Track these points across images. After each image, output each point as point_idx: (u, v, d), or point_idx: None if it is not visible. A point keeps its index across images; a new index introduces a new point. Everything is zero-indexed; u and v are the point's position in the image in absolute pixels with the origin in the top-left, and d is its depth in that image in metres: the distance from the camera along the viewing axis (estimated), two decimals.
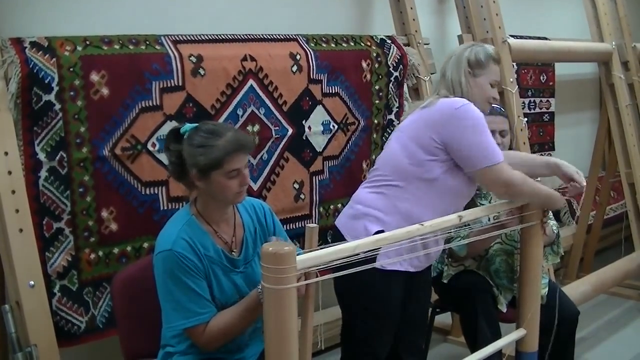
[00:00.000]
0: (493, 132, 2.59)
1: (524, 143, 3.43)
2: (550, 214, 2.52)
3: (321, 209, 2.98)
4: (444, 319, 3.42)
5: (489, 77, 2.24)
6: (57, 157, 2.21)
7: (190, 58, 2.48)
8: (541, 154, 4.62)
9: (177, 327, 1.86)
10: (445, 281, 2.62)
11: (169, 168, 2.00)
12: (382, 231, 2.06)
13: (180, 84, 2.45)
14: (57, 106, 2.18)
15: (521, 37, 3.76)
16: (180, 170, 1.93)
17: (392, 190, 2.14)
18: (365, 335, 2.19)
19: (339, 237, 2.15)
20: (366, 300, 2.15)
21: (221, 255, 1.93)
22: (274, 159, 2.77)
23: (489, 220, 2.44)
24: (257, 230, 2.05)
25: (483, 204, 2.51)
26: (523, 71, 4.43)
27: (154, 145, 2.41)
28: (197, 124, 1.93)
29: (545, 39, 4.12)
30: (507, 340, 2.15)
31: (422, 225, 1.91)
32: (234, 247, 1.98)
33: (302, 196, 2.89)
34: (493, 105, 2.71)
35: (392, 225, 2.06)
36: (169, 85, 2.42)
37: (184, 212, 1.96)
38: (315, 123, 2.89)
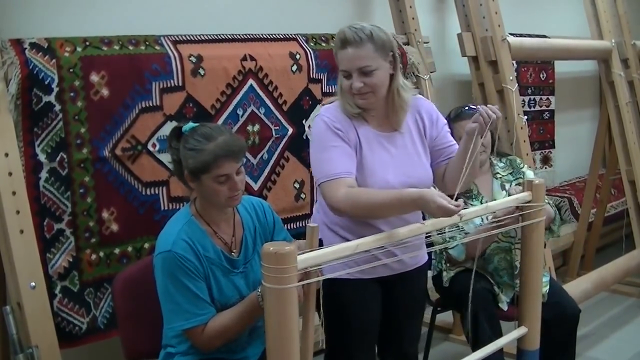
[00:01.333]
0: None
1: (524, 141, 3.42)
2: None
3: None
4: (445, 317, 3.42)
5: (340, 67, 1.97)
6: (58, 158, 2.21)
7: (190, 58, 2.47)
8: (541, 152, 4.63)
9: (176, 328, 1.87)
10: (446, 285, 2.61)
11: (172, 166, 2.01)
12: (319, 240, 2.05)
13: (180, 84, 2.45)
14: (57, 107, 2.18)
15: (521, 36, 3.75)
16: (180, 169, 1.93)
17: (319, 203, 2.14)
18: (335, 338, 2.13)
19: None
20: (326, 303, 2.14)
21: (221, 256, 1.93)
22: (274, 158, 2.77)
23: (482, 220, 2.43)
24: (256, 229, 2.04)
25: (474, 205, 2.45)
26: (523, 69, 4.43)
27: (154, 145, 2.41)
28: (197, 125, 1.93)
29: (545, 37, 4.12)
30: (508, 338, 2.14)
31: (423, 224, 1.90)
32: (234, 247, 1.98)
33: (302, 195, 2.89)
34: (470, 106, 2.68)
35: (325, 236, 2.04)
36: (169, 85, 2.42)
37: (184, 212, 1.96)
38: None
